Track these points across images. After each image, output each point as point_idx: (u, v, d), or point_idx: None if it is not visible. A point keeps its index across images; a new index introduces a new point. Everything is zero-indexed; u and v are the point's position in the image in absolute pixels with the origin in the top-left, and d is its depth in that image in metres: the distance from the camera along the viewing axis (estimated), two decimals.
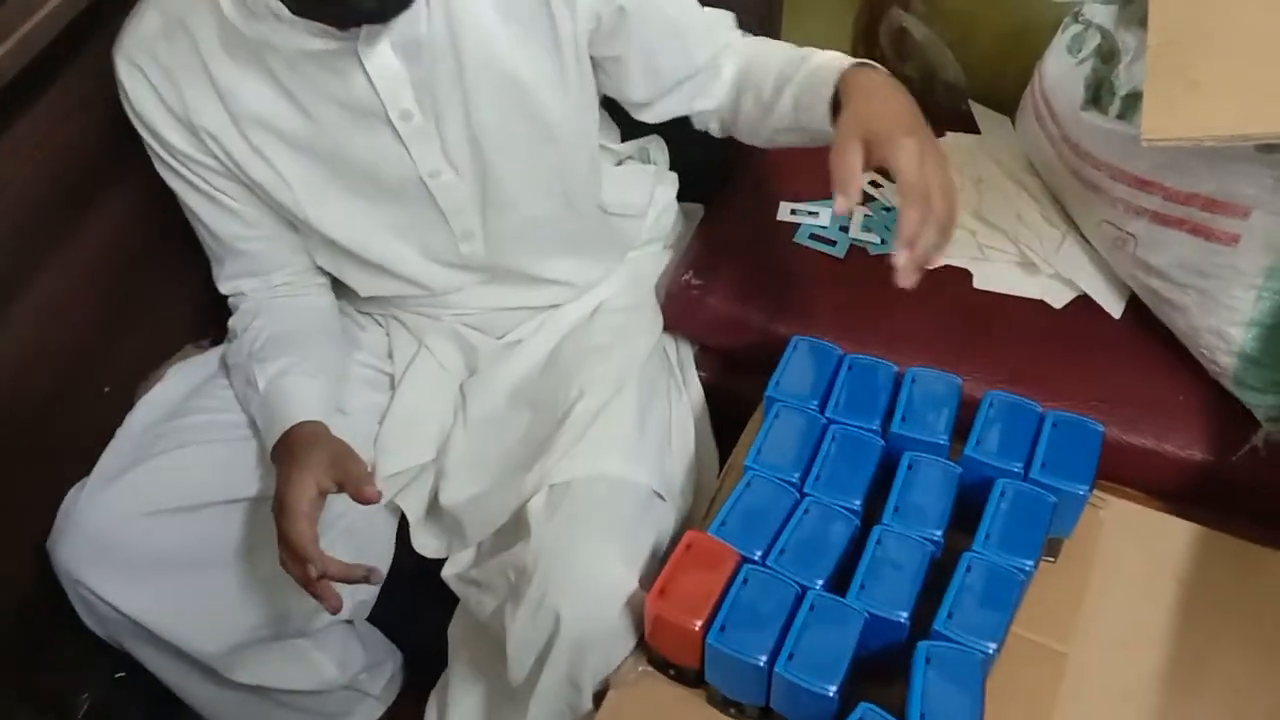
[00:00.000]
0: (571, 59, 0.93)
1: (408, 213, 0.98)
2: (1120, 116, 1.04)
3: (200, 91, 0.91)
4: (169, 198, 1.02)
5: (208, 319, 1.17)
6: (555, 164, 0.99)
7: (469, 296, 1.07)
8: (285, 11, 0.82)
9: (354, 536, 1.05)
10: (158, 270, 1.19)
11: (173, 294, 1.21)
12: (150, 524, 0.95)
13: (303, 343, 1.02)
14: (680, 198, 1.23)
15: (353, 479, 0.89)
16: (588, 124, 1.00)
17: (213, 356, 1.09)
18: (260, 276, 1.05)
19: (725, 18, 1.04)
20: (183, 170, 0.97)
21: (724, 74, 1.03)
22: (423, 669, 1.18)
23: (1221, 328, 0.99)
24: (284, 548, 0.90)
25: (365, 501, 0.89)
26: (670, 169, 1.22)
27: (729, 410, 1.13)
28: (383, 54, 0.87)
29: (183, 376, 1.07)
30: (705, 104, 1.04)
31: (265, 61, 0.89)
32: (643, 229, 1.17)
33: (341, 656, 1.13)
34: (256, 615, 1.02)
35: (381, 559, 1.09)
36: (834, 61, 0.94)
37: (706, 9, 1.02)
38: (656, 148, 1.21)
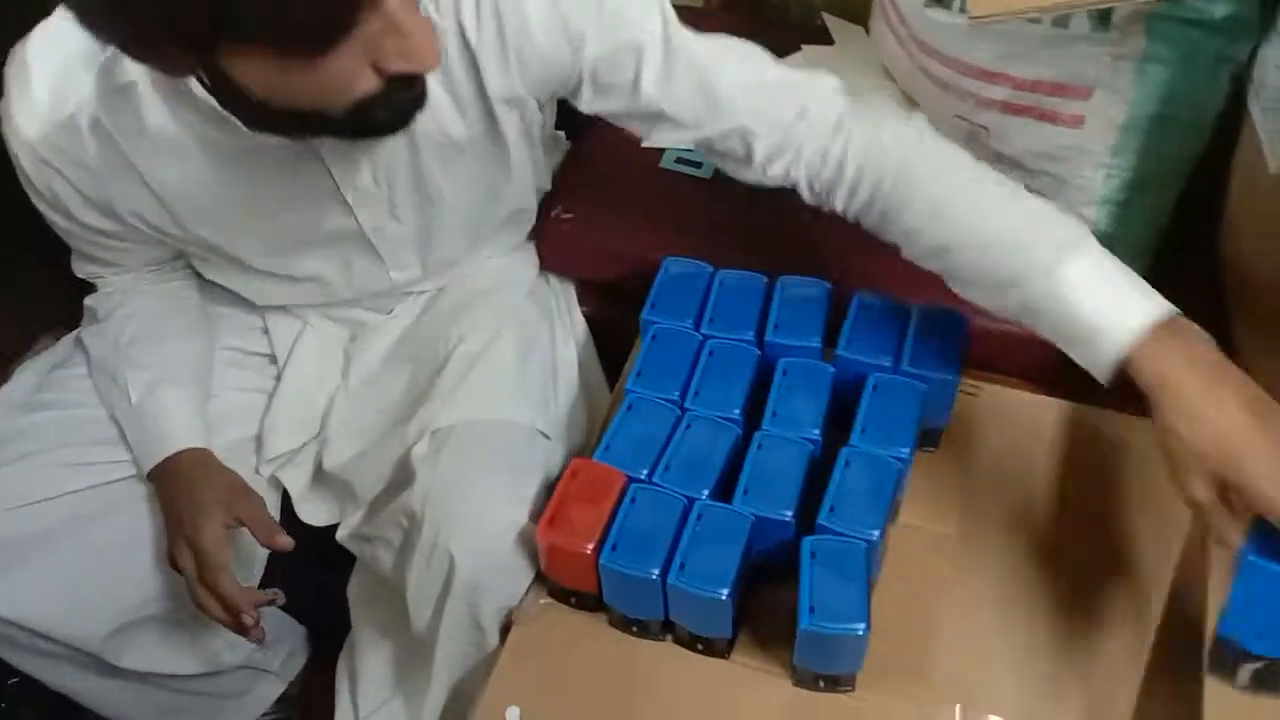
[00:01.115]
0: (519, 142, 0.93)
1: (340, 251, 0.97)
2: (963, 11, 1.06)
3: (126, 186, 0.86)
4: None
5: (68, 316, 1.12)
6: (498, 207, 1.00)
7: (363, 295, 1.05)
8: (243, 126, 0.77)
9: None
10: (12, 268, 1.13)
11: (32, 289, 1.16)
12: (6, 520, 0.91)
13: (173, 340, 0.99)
14: None
15: (261, 526, 0.91)
16: (532, 173, 1.00)
17: (64, 342, 1.04)
18: (122, 269, 1.01)
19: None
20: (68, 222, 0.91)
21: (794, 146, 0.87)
22: (329, 639, 1.16)
23: (1076, 209, 1.02)
24: (208, 597, 0.90)
25: (276, 550, 0.91)
26: None
27: (616, 342, 1.13)
28: (340, 146, 0.84)
29: (31, 372, 1.02)
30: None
31: (202, 151, 0.84)
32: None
33: (233, 636, 1.11)
34: (136, 595, 0.99)
35: None
36: (1107, 306, 0.71)
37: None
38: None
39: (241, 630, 0.92)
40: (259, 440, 1.04)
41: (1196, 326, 0.71)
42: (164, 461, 0.93)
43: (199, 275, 1.04)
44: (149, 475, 0.94)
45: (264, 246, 0.95)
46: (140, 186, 0.86)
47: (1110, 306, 0.71)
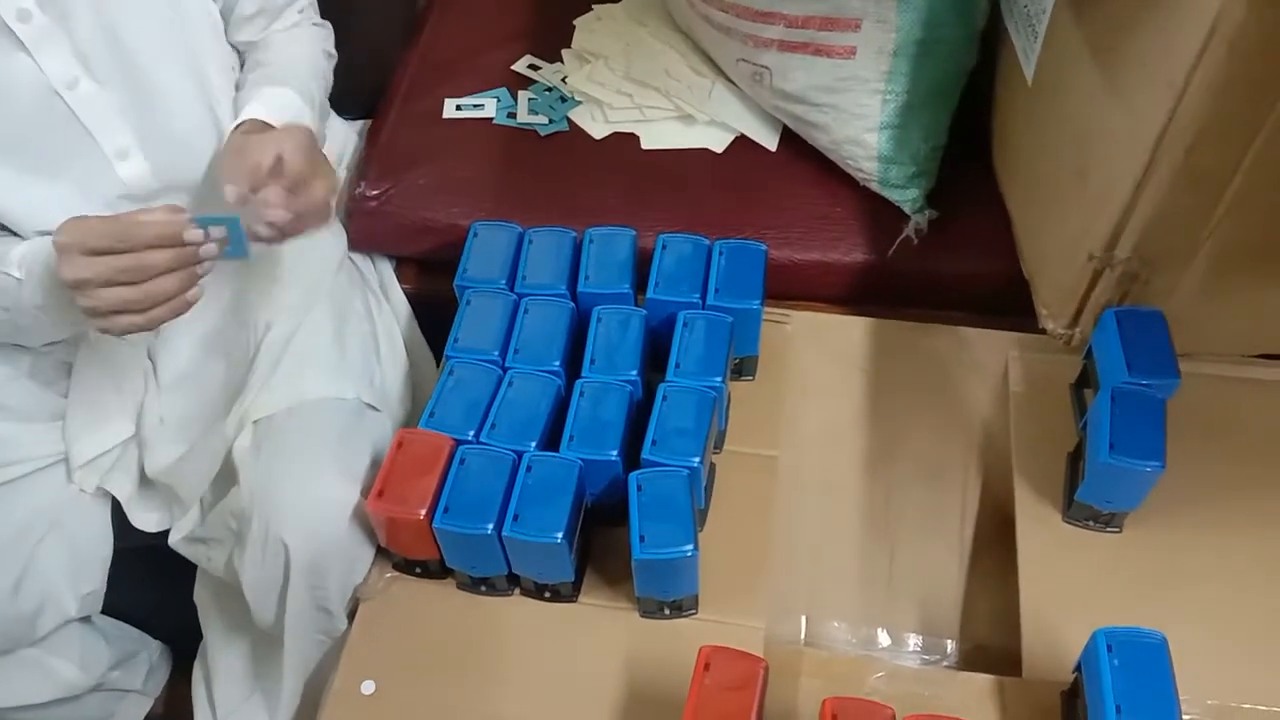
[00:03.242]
0: None
1: (50, 145, 0.88)
2: None
3: None
4: None
5: None
6: (192, 53, 0.93)
7: None
8: None
9: (65, 529, 0.97)
10: None
11: None
12: None
13: None
14: (344, 112, 1.20)
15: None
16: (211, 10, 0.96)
17: None
18: None
19: None
20: None
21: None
22: (187, 648, 1.14)
23: (859, 136, 1.07)
24: (137, 259, 0.76)
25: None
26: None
27: (441, 317, 1.13)
28: None
29: None
30: None
31: None
32: None
33: (81, 657, 1.06)
34: None
35: (102, 549, 1.02)
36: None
37: None
38: None
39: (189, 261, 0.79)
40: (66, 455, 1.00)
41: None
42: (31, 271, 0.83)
43: None
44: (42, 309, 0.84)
45: None
46: None
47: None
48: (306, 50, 1.04)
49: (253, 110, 0.91)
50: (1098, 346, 0.92)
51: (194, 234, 0.78)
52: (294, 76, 0.98)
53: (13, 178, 0.88)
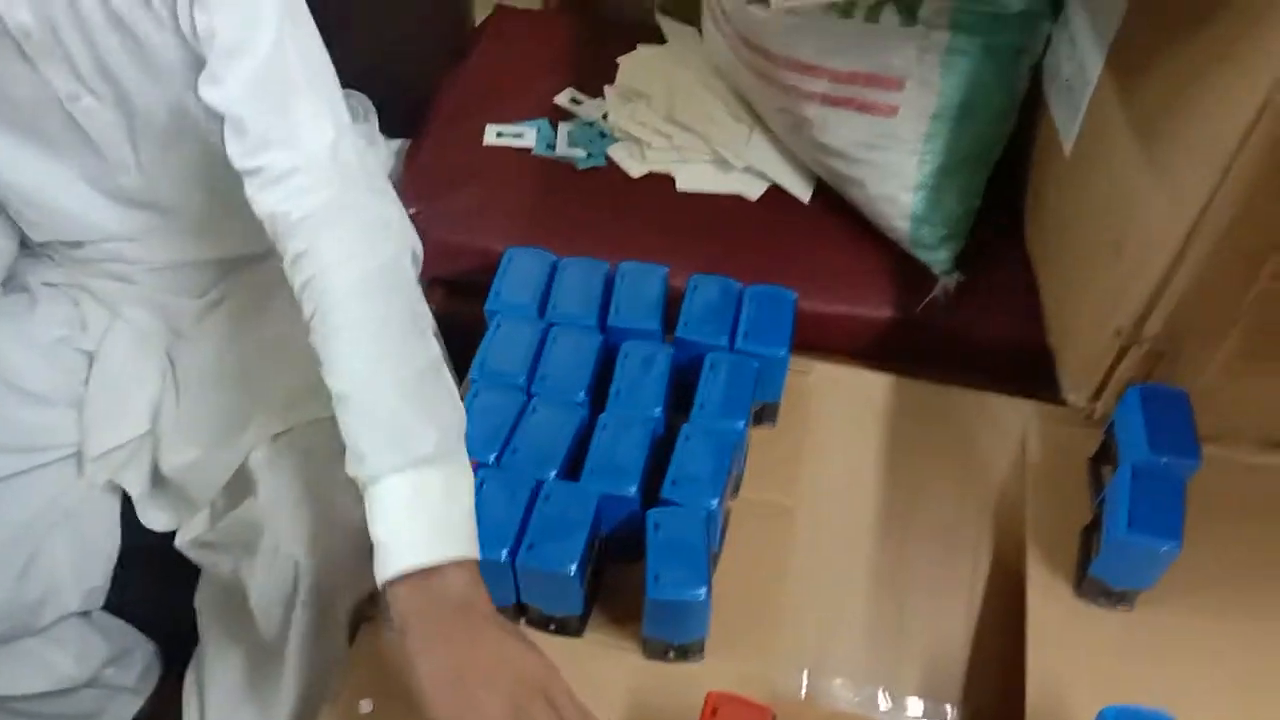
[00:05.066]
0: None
1: (59, 140, 0.90)
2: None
3: None
4: None
5: None
6: (175, 94, 0.89)
7: (154, 248, 1.00)
8: None
9: (75, 522, 0.98)
10: None
11: None
12: None
13: None
14: (384, 131, 1.21)
15: None
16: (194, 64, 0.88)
17: None
18: None
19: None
20: None
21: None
22: (182, 651, 1.13)
23: (894, 194, 1.08)
24: None
25: None
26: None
27: (464, 338, 1.13)
28: None
29: None
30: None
31: None
32: None
33: (79, 651, 1.06)
34: None
35: (109, 543, 1.02)
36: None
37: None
38: (359, 103, 1.18)
39: None
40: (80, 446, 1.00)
41: (467, 579, 0.72)
42: None
43: None
44: None
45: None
46: None
47: (392, 537, 0.72)
48: (380, 312, 0.79)
49: (396, 555, 0.71)
50: (1120, 422, 0.92)
51: None
52: (406, 414, 0.76)
53: (24, 155, 0.91)
